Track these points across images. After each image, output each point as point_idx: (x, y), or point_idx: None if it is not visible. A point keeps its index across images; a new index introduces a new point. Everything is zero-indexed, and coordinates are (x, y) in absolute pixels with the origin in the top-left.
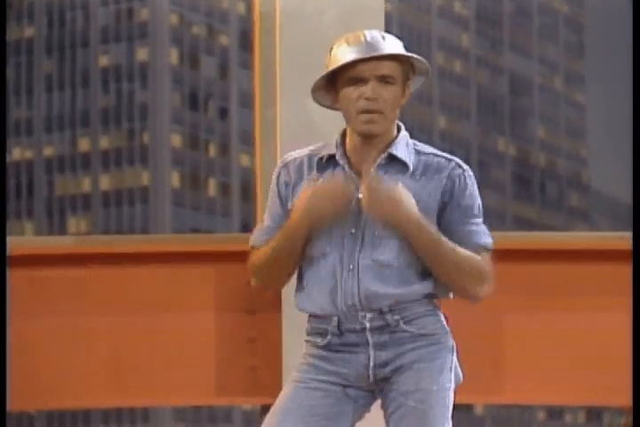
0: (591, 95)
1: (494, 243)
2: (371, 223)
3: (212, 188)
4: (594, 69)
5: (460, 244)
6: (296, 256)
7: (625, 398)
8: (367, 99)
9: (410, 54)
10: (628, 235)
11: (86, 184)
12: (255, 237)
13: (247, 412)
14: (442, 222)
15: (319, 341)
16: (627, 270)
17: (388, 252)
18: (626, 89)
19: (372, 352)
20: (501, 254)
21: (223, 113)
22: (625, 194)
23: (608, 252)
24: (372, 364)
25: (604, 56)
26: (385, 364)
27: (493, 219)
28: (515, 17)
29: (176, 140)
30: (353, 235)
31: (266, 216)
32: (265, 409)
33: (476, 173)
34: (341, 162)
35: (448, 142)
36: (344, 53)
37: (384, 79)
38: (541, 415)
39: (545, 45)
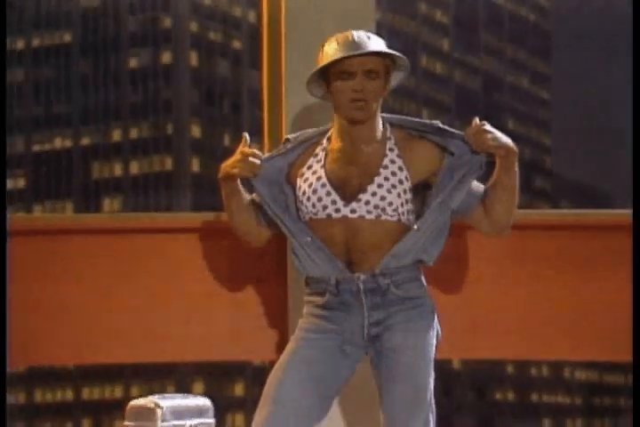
0: (555, 92)
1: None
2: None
3: None
4: (558, 70)
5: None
6: (239, 215)
7: (585, 353)
8: (355, 90)
9: (391, 51)
10: (627, 212)
11: (118, 169)
12: None
13: (257, 367)
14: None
15: (319, 300)
16: (619, 245)
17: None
18: (585, 87)
19: (366, 312)
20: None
21: (236, 108)
22: (582, 177)
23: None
24: (366, 322)
25: (567, 58)
26: (377, 323)
27: None
28: (488, 24)
29: (195, 131)
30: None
31: None
32: (273, 364)
33: None
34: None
35: None
36: (334, 51)
37: (369, 73)
38: (510, 369)
39: (515, 49)
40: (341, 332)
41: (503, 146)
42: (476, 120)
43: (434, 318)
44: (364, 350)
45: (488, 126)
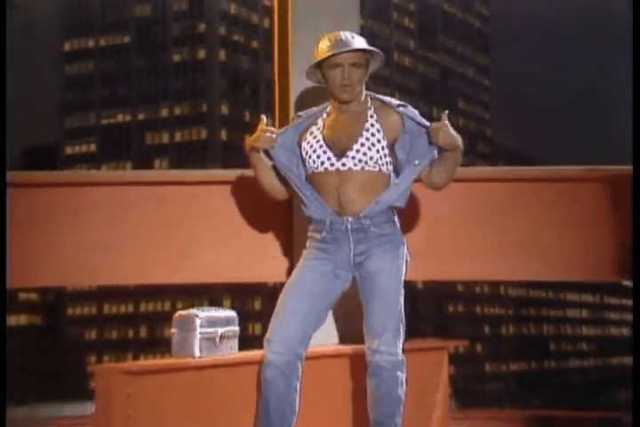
0: (493, 80)
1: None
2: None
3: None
4: (495, 63)
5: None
6: (264, 177)
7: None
8: (343, 78)
9: (370, 48)
10: (547, 168)
11: (165, 138)
12: None
13: (270, 287)
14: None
15: (317, 236)
16: (540, 193)
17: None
18: (517, 75)
19: (352, 245)
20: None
21: (254, 92)
22: (513, 143)
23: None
24: (352, 253)
25: (502, 54)
26: (360, 253)
27: None
28: (444, 28)
29: (224, 109)
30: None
31: None
32: (283, 285)
33: None
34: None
35: None
36: (327, 48)
37: (353, 65)
38: (459, 288)
39: (463, 47)
40: (334, 260)
41: (452, 145)
42: (444, 118)
43: (404, 249)
44: (352, 274)
45: (448, 127)
